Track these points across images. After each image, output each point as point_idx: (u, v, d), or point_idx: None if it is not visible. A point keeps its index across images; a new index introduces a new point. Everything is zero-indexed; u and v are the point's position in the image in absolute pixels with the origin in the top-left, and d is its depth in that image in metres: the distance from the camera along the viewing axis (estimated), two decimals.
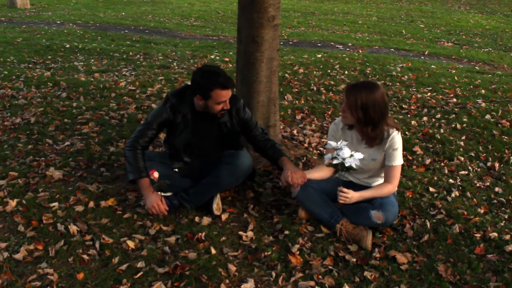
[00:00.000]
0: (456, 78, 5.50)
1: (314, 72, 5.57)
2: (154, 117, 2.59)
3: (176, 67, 5.93)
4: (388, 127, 2.37)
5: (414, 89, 5.04)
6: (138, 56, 6.58)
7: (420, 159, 3.36)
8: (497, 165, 3.27)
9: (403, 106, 4.53)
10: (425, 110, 4.43)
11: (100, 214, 2.58)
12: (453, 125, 3.99)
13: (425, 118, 4.17)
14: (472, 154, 3.44)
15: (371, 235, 2.38)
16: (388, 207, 2.36)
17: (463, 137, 3.75)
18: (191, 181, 2.70)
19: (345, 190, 2.30)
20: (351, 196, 2.30)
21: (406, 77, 5.46)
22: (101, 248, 2.31)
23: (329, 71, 5.66)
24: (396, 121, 3.09)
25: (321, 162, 2.90)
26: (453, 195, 2.83)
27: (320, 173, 2.59)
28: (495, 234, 2.40)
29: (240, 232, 2.47)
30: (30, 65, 5.92)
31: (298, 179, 2.45)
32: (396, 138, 2.37)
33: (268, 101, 3.11)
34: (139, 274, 2.13)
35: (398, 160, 2.39)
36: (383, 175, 2.51)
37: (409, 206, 2.68)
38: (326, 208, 2.49)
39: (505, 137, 3.73)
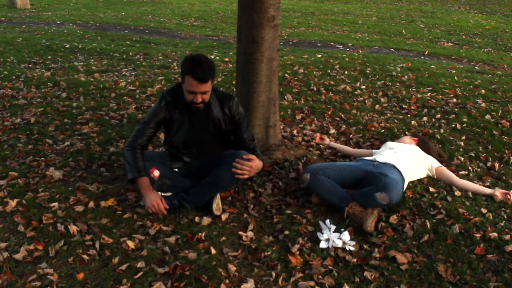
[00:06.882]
0: (456, 78, 5.49)
1: (314, 72, 5.57)
2: (151, 116, 2.60)
3: (176, 67, 5.92)
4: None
5: (414, 89, 5.04)
6: (138, 56, 6.58)
7: None
8: (497, 165, 3.27)
9: (403, 106, 4.53)
10: (425, 110, 4.43)
11: (100, 214, 2.58)
12: (453, 125, 3.99)
13: (425, 118, 4.17)
14: (472, 154, 3.43)
15: (375, 218, 2.49)
16: (391, 188, 2.49)
17: (463, 137, 3.75)
18: (191, 181, 2.70)
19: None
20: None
21: (406, 77, 5.46)
22: (101, 248, 2.31)
23: (329, 71, 5.66)
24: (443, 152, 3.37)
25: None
26: (453, 195, 2.83)
27: (349, 151, 3.36)
28: (495, 234, 2.40)
29: (240, 232, 2.47)
30: (30, 65, 5.92)
31: (248, 168, 2.53)
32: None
33: (268, 101, 3.12)
34: (139, 274, 2.13)
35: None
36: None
37: (409, 206, 2.68)
38: (336, 194, 2.66)
39: (505, 137, 3.73)
